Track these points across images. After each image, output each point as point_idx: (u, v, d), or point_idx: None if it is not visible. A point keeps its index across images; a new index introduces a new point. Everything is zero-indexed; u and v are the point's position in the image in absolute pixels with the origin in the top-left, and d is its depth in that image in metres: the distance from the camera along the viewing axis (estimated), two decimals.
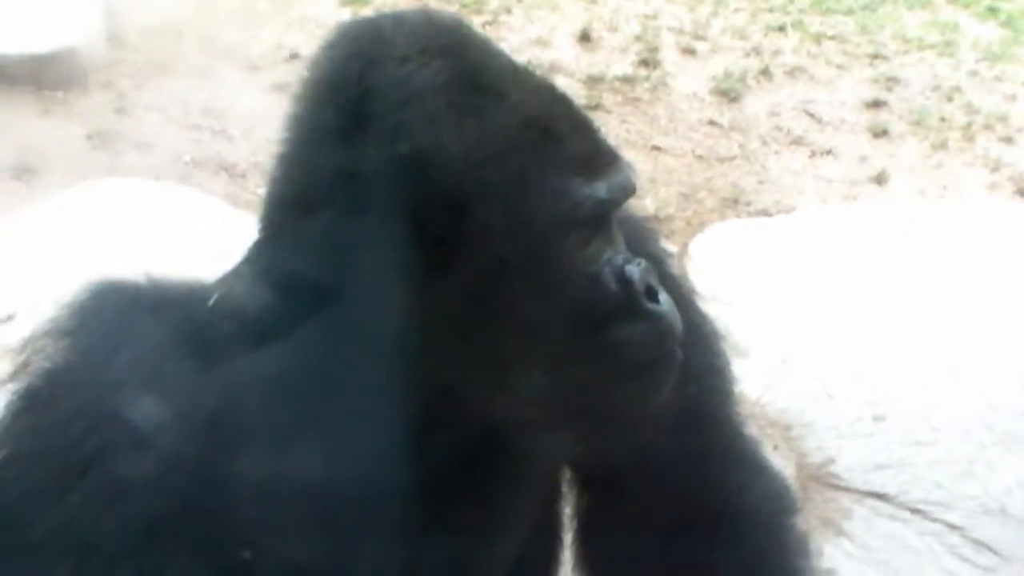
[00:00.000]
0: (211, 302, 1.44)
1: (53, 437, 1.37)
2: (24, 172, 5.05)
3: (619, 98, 5.36)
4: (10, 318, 4.03)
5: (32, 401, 1.41)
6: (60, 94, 5.65)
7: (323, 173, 1.39)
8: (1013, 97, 5.67)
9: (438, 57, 1.36)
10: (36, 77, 5.71)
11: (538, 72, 1.46)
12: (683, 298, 1.62)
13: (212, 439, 1.37)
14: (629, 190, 1.41)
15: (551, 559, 1.84)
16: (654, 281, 1.40)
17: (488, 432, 1.44)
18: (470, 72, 1.36)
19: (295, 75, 4.77)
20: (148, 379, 1.40)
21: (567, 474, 1.74)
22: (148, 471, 1.36)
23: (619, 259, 1.39)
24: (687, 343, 1.50)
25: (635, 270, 1.38)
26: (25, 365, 1.45)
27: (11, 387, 1.44)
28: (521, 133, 1.34)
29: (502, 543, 1.62)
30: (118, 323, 1.43)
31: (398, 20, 1.42)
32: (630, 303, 1.38)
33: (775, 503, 1.77)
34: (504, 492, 1.57)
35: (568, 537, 1.83)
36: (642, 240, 1.61)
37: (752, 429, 1.79)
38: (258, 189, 4.89)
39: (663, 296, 1.40)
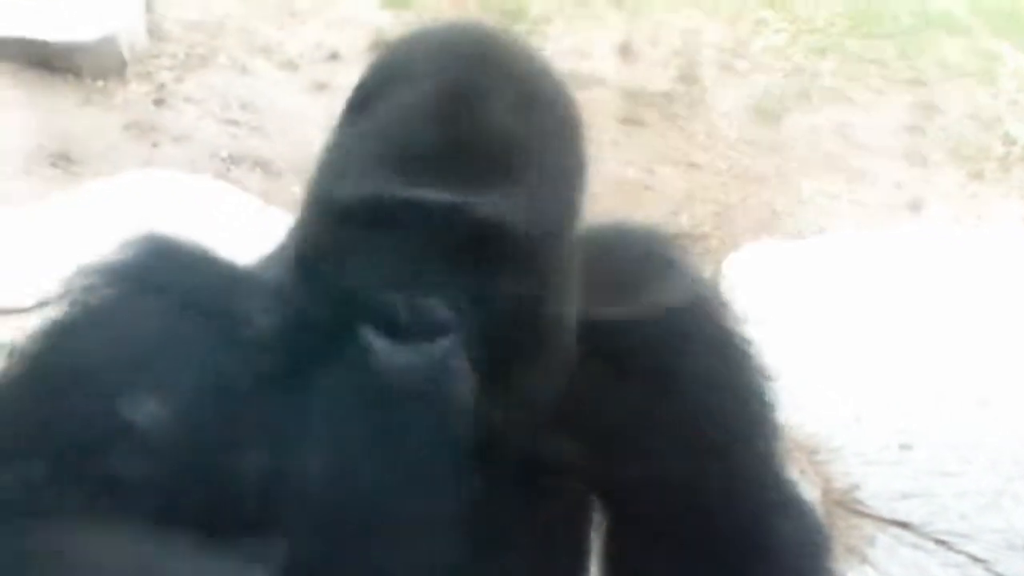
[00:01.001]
0: (247, 271, 1.50)
1: (74, 363, 1.41)
2: (61, 160, 5.07)
3: (657, 113, 5.35)
4: (43, 305, 4.05)
5: (59, 330, 1.44)
6: (100, 83, 5.67)
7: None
8: None
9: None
10: (76, 66, 5.73)
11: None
12: (715, 346, 1.60)
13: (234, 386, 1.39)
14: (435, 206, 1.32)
15: None
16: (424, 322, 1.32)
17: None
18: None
19: (334, 75, 4.80)
20: (165, 326, 1.41)
21: (593, 495, 1.72)
22: (167, 410, 1.39)
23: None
24: (716, 394, 1.51)
25: (401, 302, 1.32)
26: (61, 298, 1.48)
27: (46, 314, 1.47)
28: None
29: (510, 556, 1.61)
30: (155, 269, 1.45)
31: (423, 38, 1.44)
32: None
33: (808, 546, 1.74)
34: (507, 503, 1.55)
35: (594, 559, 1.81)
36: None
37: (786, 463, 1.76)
38: (293, 188, 4.91)
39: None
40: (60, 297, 1.47)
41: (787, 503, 1.70)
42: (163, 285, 1.44)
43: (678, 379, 1.55)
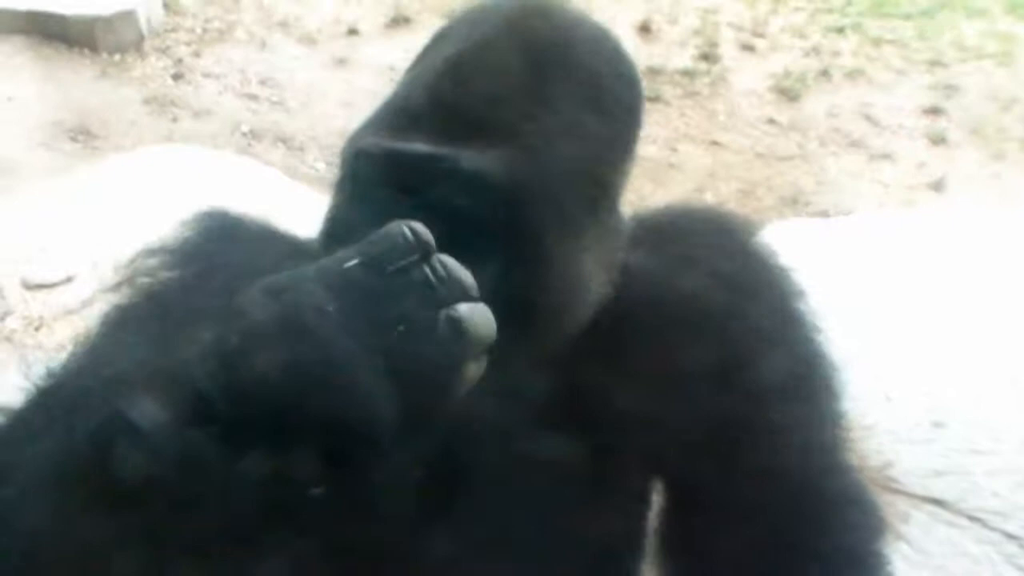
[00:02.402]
0: (307, 242, 1.46)
1: (144, 341, 1.38)
2: (81, 134, 5.06)
3: (679, 91, 5.35)
4: (69, 280, 4.05)
5: (130, 310, 1.42)
6: (117, 57, 5.66)
7: None
8: None
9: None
10: (93, 39, 5.72)
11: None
12: (784, 334, 1.59)
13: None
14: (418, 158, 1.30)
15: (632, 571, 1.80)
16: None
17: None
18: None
19: (353, 50, 4.79)
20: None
21: (654, 476, 1.70)
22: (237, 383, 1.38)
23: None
24: (784, 385, 1.49)
25: None
26: (127, 280, 1.46)
27: (110, 299, 1.46)
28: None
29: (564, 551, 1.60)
30: (220, 244, 1.45)
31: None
32: None
33: (866, 529, 1.74)
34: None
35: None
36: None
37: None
38: (316, 163, 4.90)
39: None
40: (123, 280, 1.45)
41: (847, 486, 1.70)
42: (227, 262, 1.43)
43: (745, 362, 1.54)
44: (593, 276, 1.39)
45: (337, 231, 1.34)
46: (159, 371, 1.36)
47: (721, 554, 1.61)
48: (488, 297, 1.28)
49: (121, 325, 1.43)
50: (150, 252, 1.44)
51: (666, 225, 1.56)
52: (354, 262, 1.17)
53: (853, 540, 1.66)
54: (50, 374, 1.42)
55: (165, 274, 1.43)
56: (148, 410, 1.35)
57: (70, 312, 3.90)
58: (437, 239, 1.26)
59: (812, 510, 1.62)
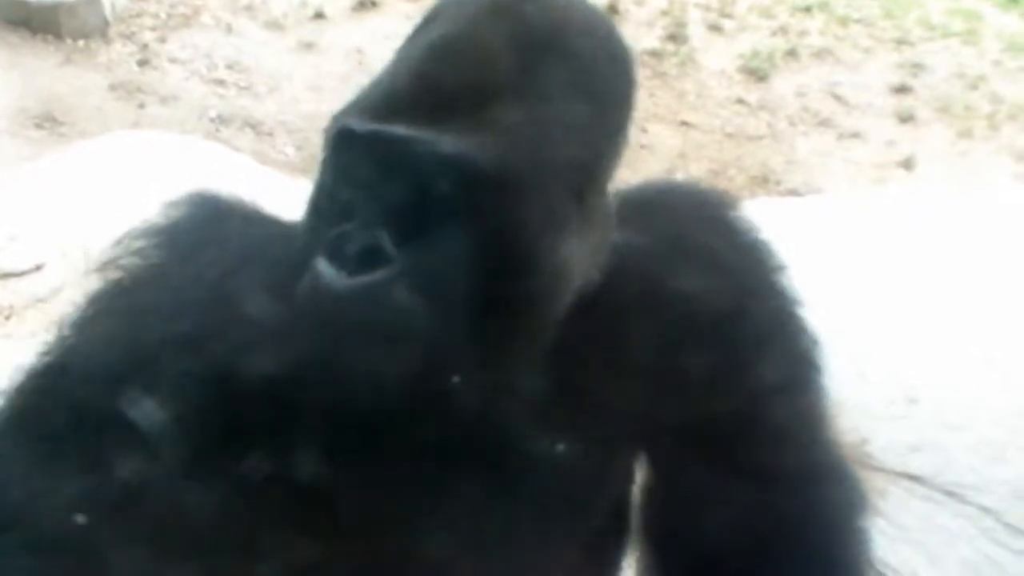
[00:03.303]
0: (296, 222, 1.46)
1: (133, 322, 1.38)
2: (47, 121, 5.02)
3: (647, 72, 5.35)
4: (38, 268, 4.02)
5: (116, 291, 1.41)
6: (81, 43, 5.62)
7: None
8: None
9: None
10: (57, 25, 5.67)
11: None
12: (770, 307, 1.59)
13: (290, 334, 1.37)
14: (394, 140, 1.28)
15: (618, 545, 1.80)
16: (366, 253, 1.28)
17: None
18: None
19: (320, 35, 4.77)
20: (230, 278, 1.40)
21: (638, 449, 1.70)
22: (225, 361, 1.36)
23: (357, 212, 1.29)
24: (768, 355, 1.49)
25: (353, 231, 1.27)
26: (112, 262, 1.44)
27: (95, 280, 1.44)
28: None
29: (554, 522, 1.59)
30: (209, 227, 1.43)
31: None
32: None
33: (849, 507, 1.74)
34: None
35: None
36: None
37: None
38: (285, 148, 4.88)
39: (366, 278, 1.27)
40: (108, 262, 1.44)
41: (831, 464, 1.70)
42: (215, 245, 1.42)
43: (728, 334, 1.54)
44: (578, 264, 1.37)
45: (320, 211, 1.33)
46: (150, 364, 1.36)
47: (703, 531, 1.62)
48: (470, 283, 1.29)
49: (107, 311, 1.42)
50: (137, 233, 1.43)
51: (652, 201, 1.54)
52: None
53: (838, 515, 1.67)
54: (37, 370, 1.42)
55: (153, 255, 1.41)
56: (146, 408, 1.35)
57: (40, 300, 3.85)
58: (416, 224, 1.27)
59: (797, 487, 1.62)
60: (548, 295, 1.35)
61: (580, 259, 1.37)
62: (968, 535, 3.18)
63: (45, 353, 1.40)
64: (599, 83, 1.36)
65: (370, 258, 1.25)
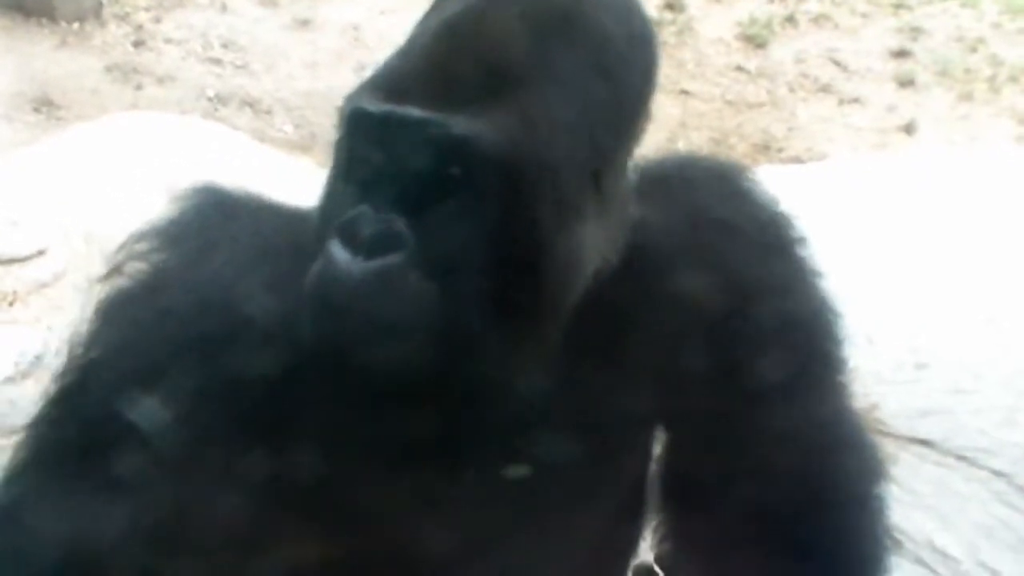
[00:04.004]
0: (310, 209, 1.43)
1: (148, 330, 1.36)
2: (44, 104, 5.00)
3: None
4: (41, 253, 4.00)
5: (127, 299, 1.39)
6: (76, 26, 5.60)
7: None
8: None
9: None
10: (51, 8, 5.65)
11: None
12: (793, 282, 1.58)
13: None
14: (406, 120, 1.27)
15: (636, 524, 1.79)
16: (380, 237, 1.26)
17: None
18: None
19: (315, 11, 4.73)
20: (244, 276, 1.37)
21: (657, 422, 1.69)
22: (243, 364, 1.35)
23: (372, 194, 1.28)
24: (793, 331, 1.50)
25: (367, 214, 1.26)
26: (119, 268, 1.43)
27: (103, 288, 1.42)
28: None
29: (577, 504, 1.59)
30: (216, 225, 1.41)
31: None
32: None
33: (867, 474, 1.74)
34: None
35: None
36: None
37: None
38: (284, 126, 4.86)
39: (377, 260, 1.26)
40: (114, 269, 1.41)
41: (850, 431, 1.70)
42: (225, 240, 1.40)
43: (748, 307, 1.54)
44: (594, 246, 1.35)
45: (335, 194, 1.32)
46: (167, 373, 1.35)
47: (724, 500, 1.61)
48: (484, 266, 1.27)
49: (119, 322, 1.40)
50: (142, 236, 1.40)
51: (670, 176, 1.54)
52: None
53: (855, 484, 1.67)
54: (56, 397, 1.40)
55: (158, 257, 1.39)
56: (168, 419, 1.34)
57: (44, 285, 3.84)
58: (430, 207, 1.26)
59: (816, 456, 1.62)
60: (563, 278, 1.33)
61: (596, 242, 1.35)
62: (980, 499, 3.19)
63: (62, 375, 1.39)
64: (617, 62, 1.33)
65: (384, 241, 1.24)
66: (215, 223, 1.41)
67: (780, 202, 1.61)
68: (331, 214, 1.30)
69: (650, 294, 1.44)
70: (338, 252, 1.24)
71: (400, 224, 1.24)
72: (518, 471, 1.45)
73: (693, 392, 1.51)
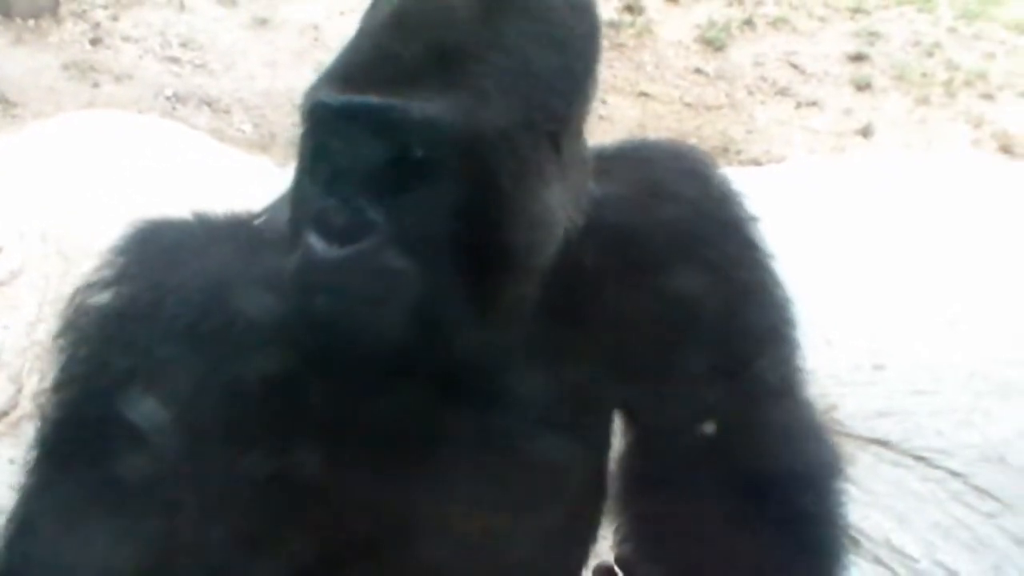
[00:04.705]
0: (258, 222, 1.45)
1: (101, 372, 1.38)
2: (0, 102, 4.96)
3: (604, 43, 5.31)
4: None
5: (82, 347, 1.40)
6: (32, 23, 5.55)
7: None
8: (991, 55, 5.73)
9: None
10: (7, 4, 5.60)
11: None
12: (746, 258, 1.60)
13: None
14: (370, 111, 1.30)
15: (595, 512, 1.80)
16: (352, 224, 1.30)
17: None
18: None
19: (274, 10, 4.70)
20: (199, 314, 1.38)
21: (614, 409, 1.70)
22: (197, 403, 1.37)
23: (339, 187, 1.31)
24: (746, 306, 1.52)
25: (337, 204, 1.30)
26: (72, 317, 1.43)
27: (59, 340, 1.41)
28: None
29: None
30: (165, 265, 1.41)
31: None
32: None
33: (824, 467, 1.75)
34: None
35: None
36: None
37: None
38: (242, 125, 4.84)
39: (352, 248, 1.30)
40: (66, 322, 1.41)
41: (808, 424, 1.71)
42: (174, 277, 1.39)
43: (703, 291, 1.55)
44: (558, 210, 1.39)
45: (303, 188, 1.34)
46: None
47: (683, 491, 1.62)
48: (456, 240, 1.31)
49: (73, 379, 1.40)
50: (88, 287, 1.40)
51: (629, 155, 1.59)
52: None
53: (815, 475, 1.68)
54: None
55: (109, 306, 1.39)
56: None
57: (0, 284, 3.81)
58: (398, 189, 1.29)
59: (775, 446, 1.63)
60: (533, 243, 1.38)
61: (562, 202, 1.39)
62: (937, 499, 3.21)
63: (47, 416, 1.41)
64: (562, 30, 1.37)
65: (357, 228, 1.27)
66: (160, 262, 1.41)
67: (734, 182, 1.65)
68: (302, 208, 1.33)
69: (614, 262, 1.48)
70: (315, 243, 1.28)
71: (370, 210, 1.28)
72: (495, 436, 1.47)
73: (652, 366, 1.54)
